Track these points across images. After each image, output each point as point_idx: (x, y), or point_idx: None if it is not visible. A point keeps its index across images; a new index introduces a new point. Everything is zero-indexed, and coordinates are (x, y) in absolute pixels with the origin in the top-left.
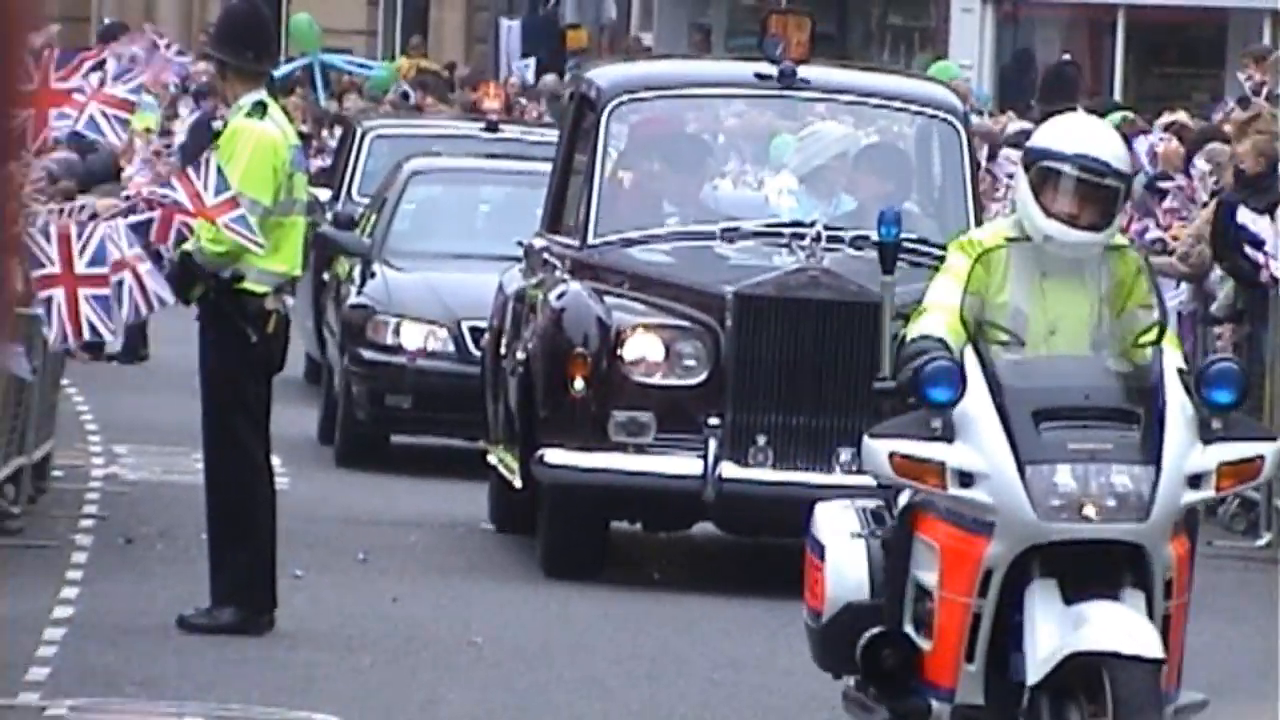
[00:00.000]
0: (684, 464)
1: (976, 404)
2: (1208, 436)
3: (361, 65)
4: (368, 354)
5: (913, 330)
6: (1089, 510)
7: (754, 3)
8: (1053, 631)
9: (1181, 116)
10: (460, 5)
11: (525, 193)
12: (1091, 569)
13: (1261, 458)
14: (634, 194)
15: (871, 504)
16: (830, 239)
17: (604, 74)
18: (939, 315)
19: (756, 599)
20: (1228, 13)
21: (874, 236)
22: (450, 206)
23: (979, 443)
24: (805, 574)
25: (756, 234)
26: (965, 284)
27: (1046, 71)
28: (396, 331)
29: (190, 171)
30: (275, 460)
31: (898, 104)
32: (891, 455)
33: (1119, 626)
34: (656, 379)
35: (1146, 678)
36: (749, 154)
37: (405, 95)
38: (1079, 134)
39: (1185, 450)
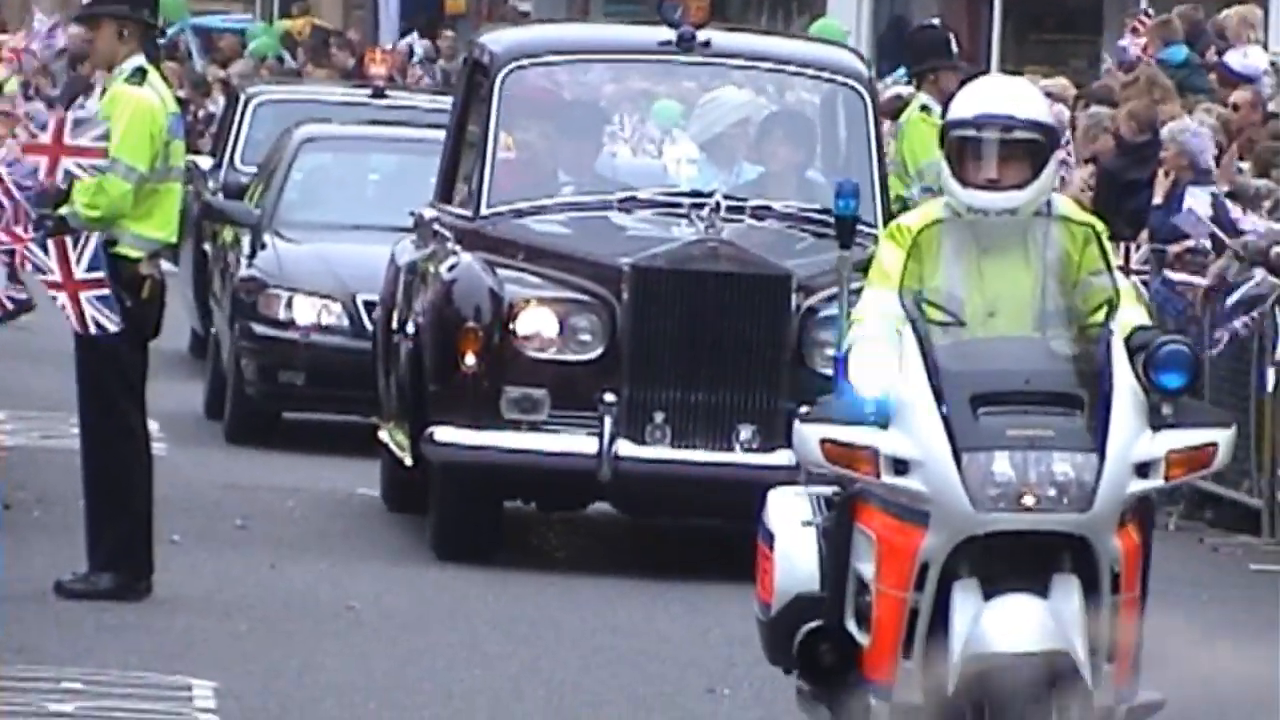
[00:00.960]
0: (579, 442)
1: (912, 388)
2: (1158, 423)
3: (234, 22)
4: (259, 328)
5: (850, 342)
6: (1028, 499)
7: None
8: (963, 635)
9: (1048, 81)
10: None
11: (420, 161)
12: (1025, 562)
13: (1214, 445)
14: (528, 163)
15: (827, 491)
16: (731, 209)
17: (498, 39)
18: (874, 325)
19: (642, 571)
20: None
21: (777, 206)
22: (342, 175)
23: (914, 429)
24: (756, 564)
25: (654, 204)
26: (900, 279)
27: (909, 36)
28: (289, 305)
29: (67, 240)
30: (155, 427)
31: (802, 70)
32: (823, 441)
33: (1007, 622)
34: (550, 354)
35: (1033, 671)
36: (647, 122)
37: (280, 59)
38: (980, 95)
39: (1132, 437)
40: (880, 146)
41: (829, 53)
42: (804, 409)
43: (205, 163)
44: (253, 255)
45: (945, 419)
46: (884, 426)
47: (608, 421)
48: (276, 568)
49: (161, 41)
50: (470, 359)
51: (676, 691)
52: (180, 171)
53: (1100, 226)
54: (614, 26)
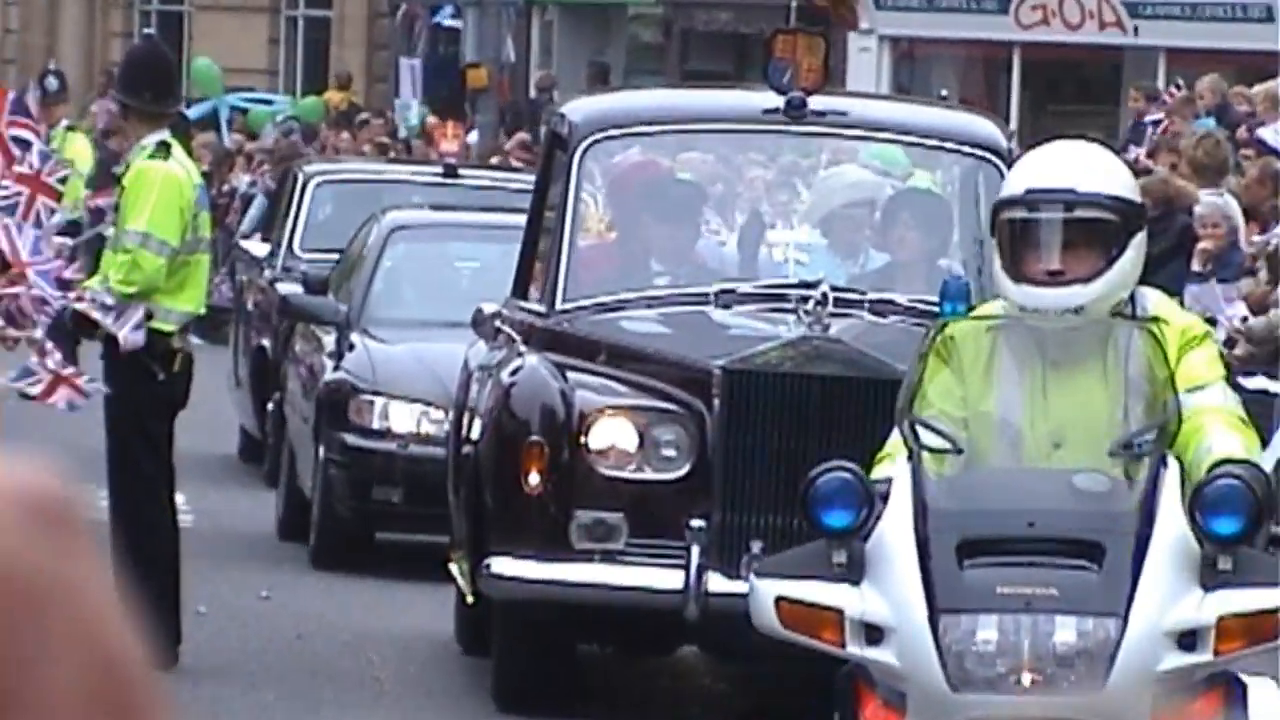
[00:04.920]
0: (662, 576)
1: (894, 532)
2: (1211, 581)
3: (262, 101)
4: (350, 439)
5: (876, 474)
6: (1022, 677)
7: (654, 40)
8: None
9: None
10: (361, 44)
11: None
12: None
13: None
14: (614, 250)
15: None
16: (844, 302)
17: (578, 108)
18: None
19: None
20: (1122, 50)
21: (900, 300)
22: (436, 266)
23: (889, 584)
24: None
25: (757, 297)
26: (916, 383)
27: None
28: (384, 413)
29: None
30: (181, 500)
31: (933, 141)
32: (779, 600)
33: None
34: (628, 472)
35: None
36: (754, 202)
37: (288, 133)
38: (1036, 166)
39: (1170, 597)
40: None
41: (965, 121)
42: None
43: (259, 249)
44: (340, 356)
45: (925, 572)
46: (855, 583)
47: (696, 551)
48: (302, 639)
49: (193, 114)
50: (534, 478)
51: None
52: (208, 243)
53: (1201, 329)
54: (712, 92)
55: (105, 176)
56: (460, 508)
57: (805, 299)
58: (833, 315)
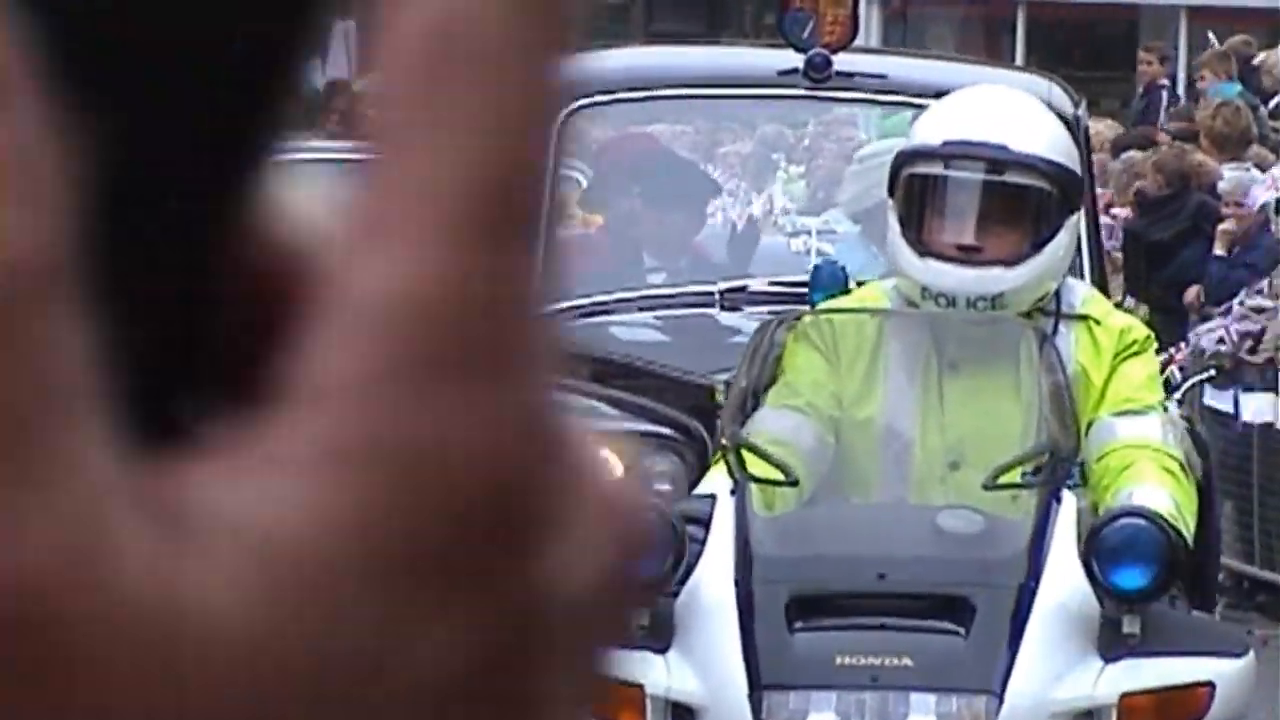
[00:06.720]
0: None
1: (710, 586)
2: (1114, 648)
3: None
4: None
5: (700, 489)
6: None
7: None
8: None
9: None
10: None
11: None
12: None
13: (1208, 686)
14: (598, 241)
15: None
16: None
17: None
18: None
19: None
20: (1138, 9)
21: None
22: None
23: (702, 653)
24: None
25: (771, 296)
26: (752, 383)
27: None
28: None
29: None
30: None
31: None
32: None
33: None
34: None
35: None
36: (768, 182)
37: None
38: (958, 114)
39: (1060, 669)
40: (1095, 210)
41: (1023, 83)
42: None
43: None
44: None
45: (747, 637)
46: (661, 651)
47: None
48: None
49: None
50: None
51: None
52: None
53: (1141, 333)
54: (716, 50)
55: None
56: None
57: None
58: None
